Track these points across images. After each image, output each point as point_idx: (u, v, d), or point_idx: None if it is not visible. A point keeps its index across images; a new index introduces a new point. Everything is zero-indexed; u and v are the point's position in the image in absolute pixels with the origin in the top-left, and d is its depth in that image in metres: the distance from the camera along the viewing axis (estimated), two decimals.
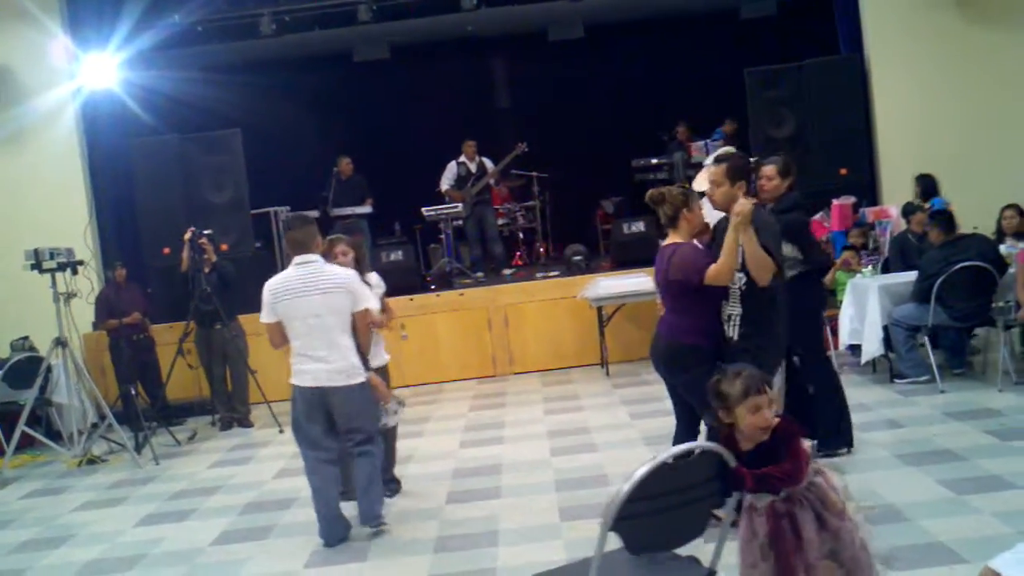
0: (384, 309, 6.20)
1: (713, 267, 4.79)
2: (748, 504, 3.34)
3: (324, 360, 5.45)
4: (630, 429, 7.48)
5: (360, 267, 6.12)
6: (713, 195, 4.94)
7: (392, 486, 6.34)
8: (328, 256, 5.87)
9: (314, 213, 12.13)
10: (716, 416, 3.39)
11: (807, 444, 3.38)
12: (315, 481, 5.61)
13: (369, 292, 5.85)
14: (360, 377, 5.54)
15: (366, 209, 12.02)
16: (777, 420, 3.37)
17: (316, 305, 5.46)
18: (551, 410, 8.49)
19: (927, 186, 9.32)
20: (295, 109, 13.68)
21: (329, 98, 13.84)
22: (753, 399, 3.30)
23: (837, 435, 6.01)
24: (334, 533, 5.60)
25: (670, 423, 7.00)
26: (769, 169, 5.91)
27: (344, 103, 13.91)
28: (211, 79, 11.98)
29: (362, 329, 5.64)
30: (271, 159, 12.39)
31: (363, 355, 5.68)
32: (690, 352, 4.91)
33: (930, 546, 4.53)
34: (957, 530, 4.69)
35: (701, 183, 6.23)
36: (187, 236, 8.97)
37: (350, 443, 5.60)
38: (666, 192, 5.05)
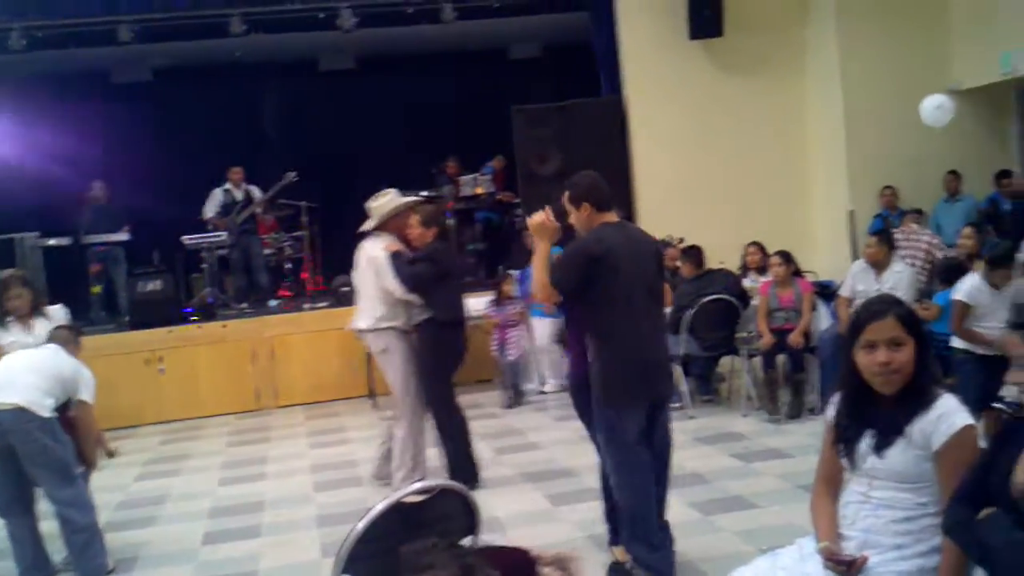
0: None
1: None
2: None
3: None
4: None
5: (37, 300, 6.04)
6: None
7: None
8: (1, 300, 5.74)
9: (66, 240, 11.52)
10: None
11: None
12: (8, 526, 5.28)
13: (92, 386, 5.48)
14: (46, 412, 5.04)
15: (122, 236, 11.46)
16: None
17: (32, 353, 5.31)
18: (316, 444, 8.32)
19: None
20: (46, 129, 12.85)
21: (84, 119, 13.09)
22: None
23: (465, 472, 6.28)
24: None
25: (431, 454, 7.01)
26: (414, 218, 6.32)
27: (100, 125, 13.19)
28: None
29: (84, 424, 5.34)
30: (19, 182, 11.62)
31: (86, 461, 5.39)
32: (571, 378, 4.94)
33: (680, 565, 4.71)
34: (704, 549, 4.93)
35: (369, 224, 6.54)
36: None
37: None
38: None
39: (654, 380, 4.49)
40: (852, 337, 2.85)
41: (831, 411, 3.01)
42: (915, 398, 2.77)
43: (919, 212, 10.03)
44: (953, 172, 10.32)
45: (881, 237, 7.64)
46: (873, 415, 2.83)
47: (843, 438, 2.91)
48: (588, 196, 4.49)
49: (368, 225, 6.53)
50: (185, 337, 9.97)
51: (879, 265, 7.48)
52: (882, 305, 2.84)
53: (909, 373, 2.77)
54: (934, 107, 9.09)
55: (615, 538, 4.70)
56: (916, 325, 2.81)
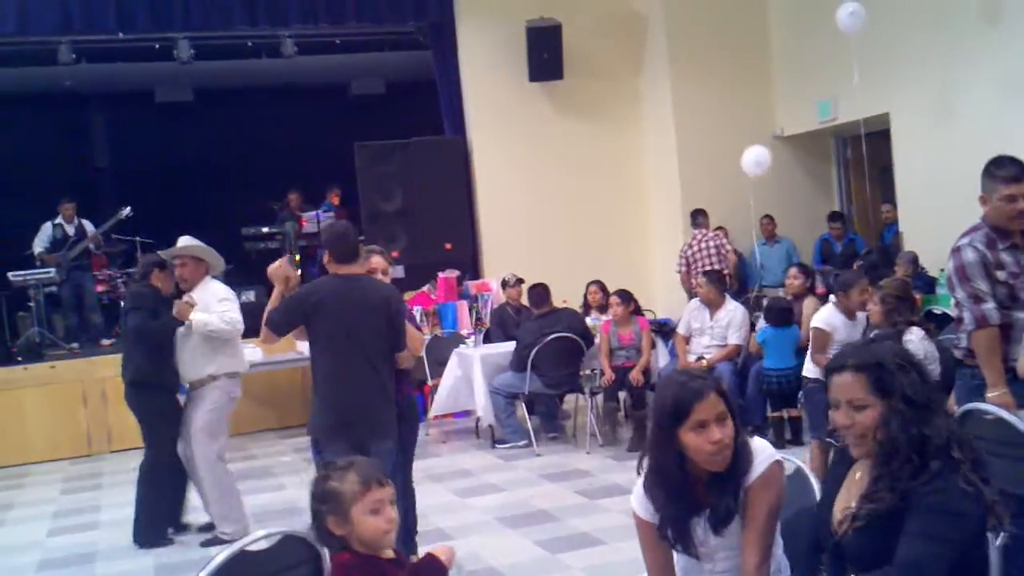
0: None
1: None
2: None
3: None
4: None
5: None
6: None
7: None
8: None
9: None
10: (322, 530, 2.83)
11: None
12: None
13: None
14: None
15: None
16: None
17: None
18: None
19: None
20: None
21: None
22: (375, 492, 2.76)
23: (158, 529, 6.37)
24: None
25: (282, 498, 6.89)
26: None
27: None
28: None
29: None
30: None
31: None
32: None
33: None
34: None
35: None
36: None
37: None
38: None
39: (352, 424, 4.74)
40: (675, 423, 2.70)
41: (642, 508, 2.87)
42: (735, 465, 2.74)
43: (702, 214, 10.43)
44: (768, 216, 10.82)
45: (710, 278, 7.98)
46: (700, 498, 2.75)
47: (677, 536, 2.80)
48: (330, 246, 4.93)
49: None
50: (9, 379, 9.48)
51: (713, 304, 7.80)
52: (699, 383, 2.74)
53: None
54: (753, 161, 9.75)
55: None
56: (728, 396, 2.78)
